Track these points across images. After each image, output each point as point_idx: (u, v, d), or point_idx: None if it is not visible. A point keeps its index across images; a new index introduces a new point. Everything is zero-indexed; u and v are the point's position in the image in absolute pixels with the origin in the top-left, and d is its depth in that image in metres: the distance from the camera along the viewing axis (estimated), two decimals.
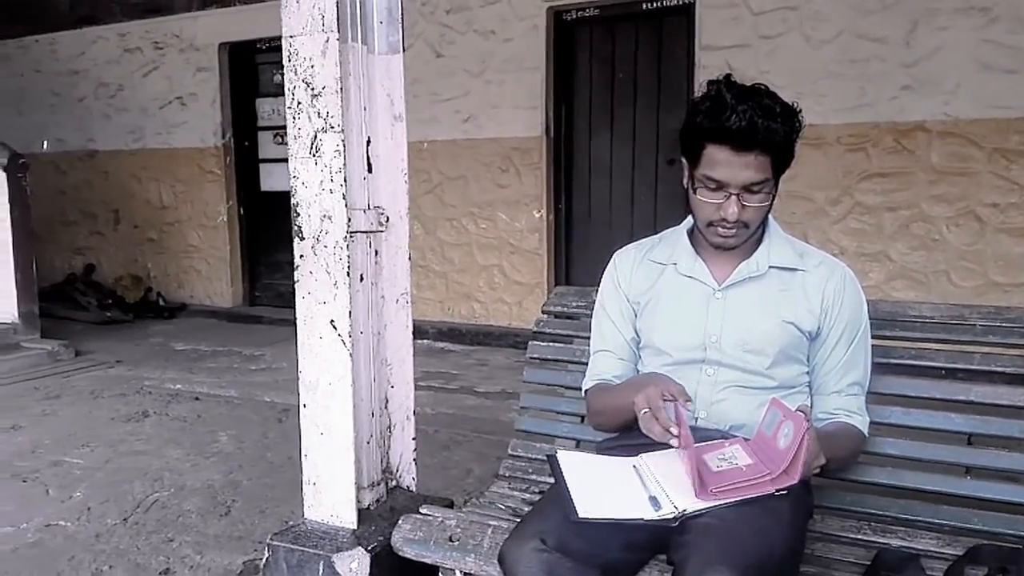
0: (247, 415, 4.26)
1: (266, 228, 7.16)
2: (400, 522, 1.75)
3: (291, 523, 2.08)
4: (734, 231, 1.59)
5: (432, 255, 6.14)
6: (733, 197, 1.54)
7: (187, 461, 3.54)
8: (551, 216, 5.83)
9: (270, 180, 7.07)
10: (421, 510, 1.80)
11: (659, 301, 1.71)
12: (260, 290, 7.31)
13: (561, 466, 1.50)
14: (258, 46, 6.81)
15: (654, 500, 1.41)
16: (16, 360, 5.33)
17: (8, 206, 5.59)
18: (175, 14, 6.94)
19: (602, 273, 1.88)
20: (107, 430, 4.00)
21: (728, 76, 1.58)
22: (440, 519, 1.74)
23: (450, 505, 2.11)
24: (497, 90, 5.77)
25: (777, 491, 1.38)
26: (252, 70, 6.97)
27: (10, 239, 5.61)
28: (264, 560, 2.00)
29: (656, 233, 1.86)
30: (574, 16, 5.71)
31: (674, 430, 1.40)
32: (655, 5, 5.45)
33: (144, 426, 4.07)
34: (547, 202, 5.77)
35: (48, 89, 7.78)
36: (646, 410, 1.45)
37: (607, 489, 1.46)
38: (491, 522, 1.69)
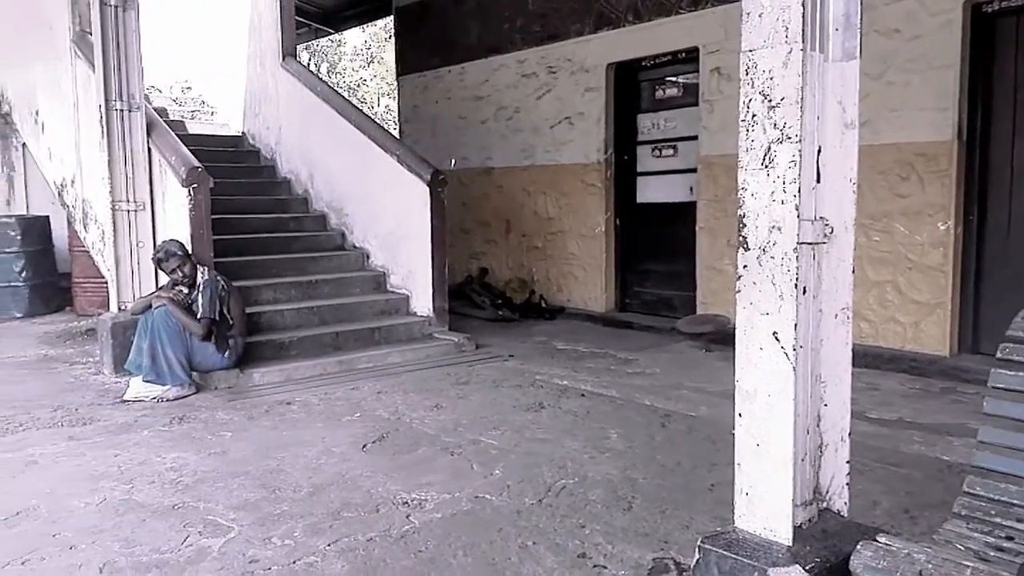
0: (631, 416, 4.43)
1: (639, 238, 7.41)
2: (859, 548, 1.68)
3: (721, 530, 2.10)
4: None
5: None
6: None
7: (584, 453, 3.78)
8: (960, 228, 5.21)
9: (646, 192, 7.30)
10: (879, 539, 1.71)
11: None
12: (630, 297, 7.58)
13: None
14: (643, 64, 7.08)
15: None
16: (431, 348, 6.15)
17: (429, 216, 6.49)
18: (569, 39, 7.49)
19: None
20: (511, 416, 4.43)
21: None
22: (906, 552, 1.63)
23: (873, 538, 1.98)
24: (900, 92, 5.31)
25: None
26: (635, 88, 7.26)
27: (429, 244, 6.51)
28: (694, 561, 2.06)
29: None
30: (997, 7, 5.05)
31: None
32: None
33: (542, 416, 4.44)
34: (956, 213, 5.17)
35: (456, 113, 8.89)
36: None
37: None
38: (967, 562, 1.54)
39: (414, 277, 6.66)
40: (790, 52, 1.86)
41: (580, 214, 7.64)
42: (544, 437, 4.04)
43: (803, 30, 1.86)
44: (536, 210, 8.10)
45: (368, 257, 7.10)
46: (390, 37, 27.08)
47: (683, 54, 6.73)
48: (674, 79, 6.99)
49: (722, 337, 6.13)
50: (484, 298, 8.01)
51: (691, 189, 6.79)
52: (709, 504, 3.15)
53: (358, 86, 29.33)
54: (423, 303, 6.57)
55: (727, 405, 4.56)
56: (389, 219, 6.87)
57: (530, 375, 5.43)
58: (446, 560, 2.68)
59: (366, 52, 30.68)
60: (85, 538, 2.87)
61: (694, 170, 6.70)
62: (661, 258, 7.23)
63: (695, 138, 6.66)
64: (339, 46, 29.66)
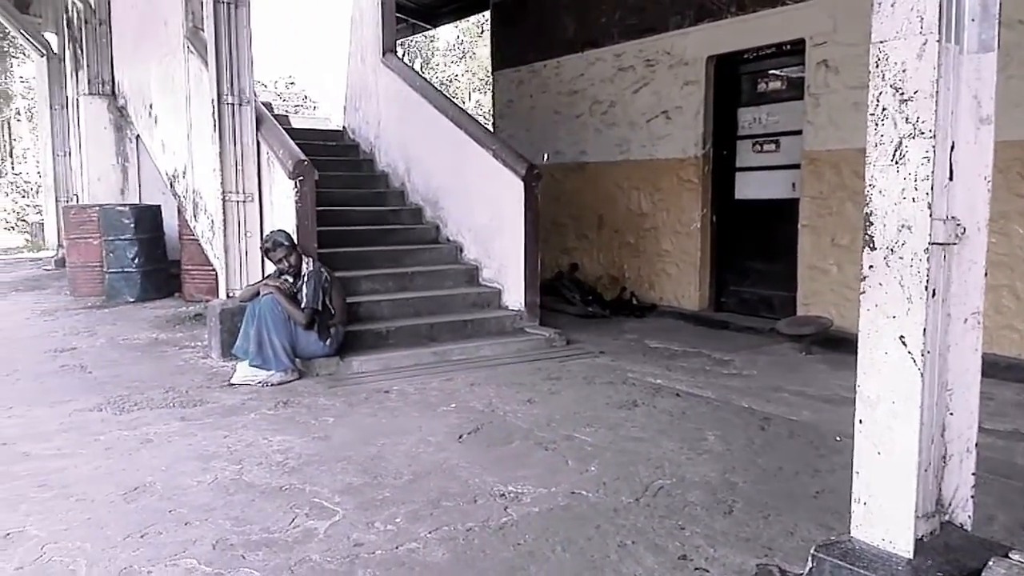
0: (728, 418, 4.34)
1: (736, 236, 7.24)
2: (992, 564, 1.60)
3: (835, 539, 2.04)
4: None
5: None
6: None
7: (681, 454, 3.72)
8: None
9: (745, 189, 7.13)
10: (1012, 556, 1.62)
11: None
12: (726, 296, 7.42)
13: None
14: (745, 56, 6.91)
15: None
16: (522, 343, 6.17)
17: (523, 210, 6.50)
18: (668, 32, 7.38)
19: None
20: (605, 413, 4.40)
21: None
22: None
23: (1005, 555, 1.87)
24: (1019, 86, 5.01)
25: None
26: (735, 81, 7.09)
27: (523, 239, 6.53)
28: (807, 570, 2.00)
29: None
30: None
31: None
32: None
33: (635, 414, 4.39)
34: None
35: (551, 108, 8.88)
36: None
37: None
38: None
39: (506, 271, 6.70)
40: (924, 43, 1.77)
41: (675, 210, 7.52)
42: (639, 436, 4.00)
43: (939, 20, 1.78)
44: (629, 205, 8.01)
45: (461, 250, 7.19)
46: (482, 33, 27.31)
47: (788, 46, 6.53)
48: (778, 72, 6.80)
49: (824, 340, 5.94)
50: (574, 294, 7.98)
51: (793, 185, 6.59)
52: (814, 511, 3.05)
53: (450, 82, 29.73)
54: (515, 297, 6.60)
55: (829, 410, 4.46)
56: (483, 213, 6.93)
57: (622, 372, 5.38)
58: (544, 554, 2.68)
59: (458, 48, 31.05)
60: (199, 515, 3.01)
61: (797, 166, 6.50)
62: (760, 256, 7.05)
63: (799, 133, 6.46)
64: (432, 42, 30.12)
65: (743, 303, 7.25)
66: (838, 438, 3.96)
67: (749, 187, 7.10)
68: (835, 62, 6.11)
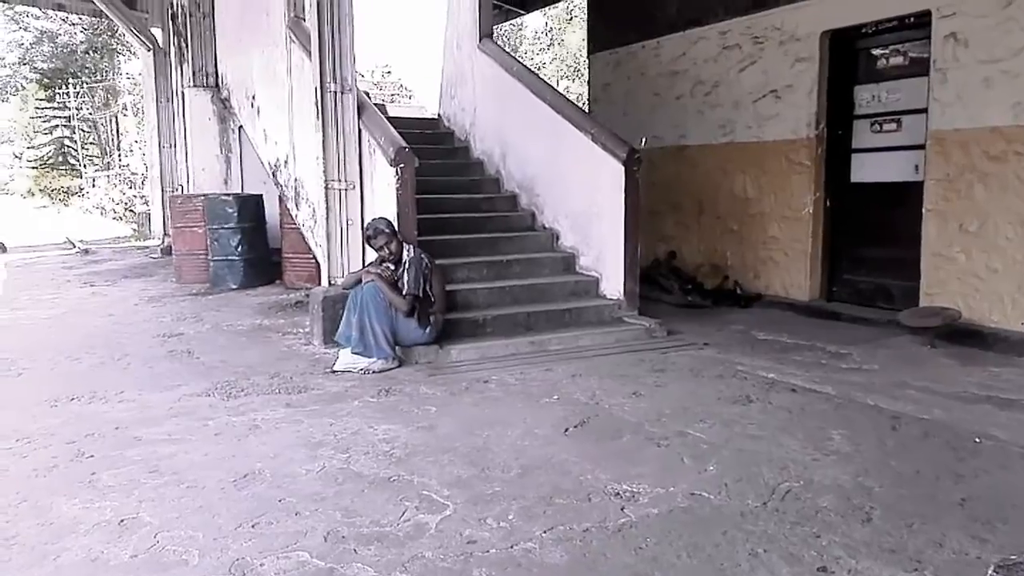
0: (853, 416, 4.05)
1: (852, 221, 6.82)
2: None
3: (1017, 559, 1.79)
4: None
5: None
6: None
7: (806, 455, 3.47)
8: None
9: (862, 171, 6.69)
10: None
11: None
12: (839, 286, 7.00)
13: None
14: (863, 31, 6.48)
15: None
16: (621, 332, 5.97)
17: (623, 196, 6.28)
18: (778, 7, 6.99)
19: None
20: (717, 409, 4.17)
21: None
22: None
23: None
24: None
25: None
26: (852, 57, 6.65)
27: (622, 225, 6.31)
28: None
29: None
30: None
31: None
32: None
33: (751, 411, 4.14)
34: None
35: (650, 90, 8.59)
36: None
37: None
38: None
39: (604, 259, 6.50)
40: None
41: (784, 194, 7.14)
42: (757, 434, 3.76)
43: None
44: (733, 190, 7.67)
45: (558, 238, 7.02)
46: (571, 19, 26.98)
47: (911, 19, 6.07)
48: (899, 47, 6.33)
49: (950, 332, 5.54)
50: (673, 283, 7.71)
51: (916, 167, 6.14)
52: (962, 520, 2.78)
53: (538, 69, 29.53)
54: (613, 286, 6.40)
55: (963, 408, 4.13)
56: (580, 199, 6.74)
57: (730, 366, 5.12)
58: (669, 560, 2.51)
59: (546, 35, 30.83)
60: (308, 505, 2.96)
61: (921, 146, 6.05)
62: (878, 243, 6.60)
63: (923, 111, 6.01)
64: (519, 30, 29.98)
65: (858, 293, 6.83)
66: (977, 440, 3.64)
67: (866, 169, 6.66)
68: (964, 35, 5.64)
